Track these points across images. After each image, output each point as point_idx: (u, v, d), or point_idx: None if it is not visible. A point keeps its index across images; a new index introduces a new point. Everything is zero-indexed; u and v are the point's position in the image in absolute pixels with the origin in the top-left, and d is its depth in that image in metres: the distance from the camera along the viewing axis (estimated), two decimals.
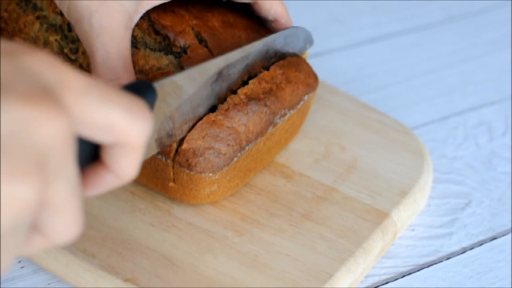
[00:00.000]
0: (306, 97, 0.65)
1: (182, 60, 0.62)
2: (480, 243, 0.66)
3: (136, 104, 0.40)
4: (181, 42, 0.62)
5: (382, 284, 0.62)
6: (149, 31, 0.62)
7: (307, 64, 0.66)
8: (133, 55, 0.62)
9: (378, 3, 0.95)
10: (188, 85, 0.55)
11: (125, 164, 0.42)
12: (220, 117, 0.59)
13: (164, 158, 0.60)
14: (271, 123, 0.62)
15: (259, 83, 0.61)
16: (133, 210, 0.63)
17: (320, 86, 0.76)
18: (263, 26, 0.68)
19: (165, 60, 0.62)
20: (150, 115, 0.41)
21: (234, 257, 0.59)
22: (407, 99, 0.81)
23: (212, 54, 0.63)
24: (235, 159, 0.60)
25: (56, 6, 0.64)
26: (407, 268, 0.64)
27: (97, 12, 0.55)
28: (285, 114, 0.63)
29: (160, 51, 0.62)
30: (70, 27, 0.64)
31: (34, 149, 0.35)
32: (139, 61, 0.62)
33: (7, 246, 0.35)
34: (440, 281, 0.63)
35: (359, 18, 0.93)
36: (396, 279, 0.63)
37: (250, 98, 0.60)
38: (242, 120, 0.60)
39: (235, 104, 0.60)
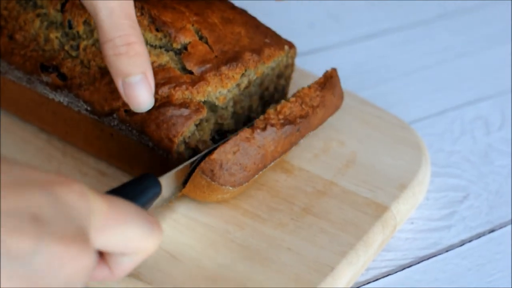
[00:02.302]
0: (329, 118, 0.66)
1: (183, 56, 0.62)
2: (479, 236, 0.67)
3: (151, 221, 0.45)
4: (181, 38, 0.62)
5: (383, 277, 0.63)
6: (149, 28, 0.63)
7: (339, 83, 0.67)
8: None
9: None
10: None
11: (126, 267, 0.46)
12: (255, 135, 0.59)
13: (165, 154, 0.61)
14: (295, 144, 0.62)
15: (300, 104, 0.61)
16: None
17: None
18: (261, 22, 0.69)
19: (165, 57, 0.62)
20: (161, 228, 0.46)
21: (236, 251, 0.60)
22: (405, 94, 0.82)
23: (212, 51, 0.63)
24: (256, 176, 0.60)
25: (56, 4, 0.65)
26: (407, 261, 0.64)
27: None
28: (307, 135, 0.64)
29: (160, 47, 0.63)
30: (70, 24, 0.64)
31: (59, 283, 0.39)
32: None
33: None
34: (439, 273, 0.64)
35: (355, 15, 0.93)
36: (396, 272, 0.63)
37: (287, 121, 0.60)
38: (274, 141, 0.60)
39: (272, 124, 0.60)
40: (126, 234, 0.43)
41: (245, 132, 0.59)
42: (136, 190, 0.51)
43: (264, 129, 0.59)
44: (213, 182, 0.58)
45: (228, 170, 0.58)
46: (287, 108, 0.61)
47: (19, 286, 0.37)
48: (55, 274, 0.38)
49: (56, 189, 0.40)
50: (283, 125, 0.60)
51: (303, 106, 0.62)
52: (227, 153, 0.58)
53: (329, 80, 0.64)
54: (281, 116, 0.60)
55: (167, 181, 0.56)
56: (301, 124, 0.61)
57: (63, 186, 0.40)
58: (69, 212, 0.40)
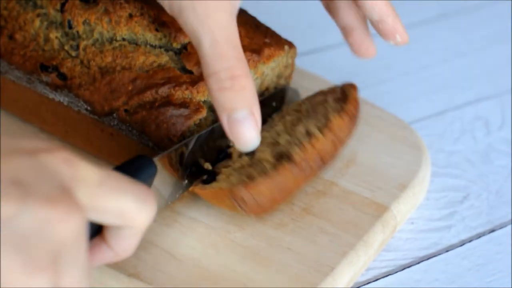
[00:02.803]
0: None
1: (183, 56, 0.62)
2: (479, 236, 0.67)
3: (144, 192, 0.45)
4: (181, 38, 0.62)
5: (383, 277, 0.63)
6: (149, 28, 0.63)
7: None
8: (133, 52, 0.62)
9: None
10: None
11: (126, 244, 0.47)
12: (294, 170, 0.59)
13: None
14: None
15: (332, 142, 0.61)
16: None
17: (318, 82, 0.76)
18: (261, 22, 0.69)
19: (165, 57, 0.62)
20: (155, 200, 0.46)
21: (236, 251, 0.60)
22: (404, 94, 0.82)
23: None
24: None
25: (56, 3, 0.65)
26: (407, 261, 0.64)
27: None
28: None
29: (160, 47, 0.63)
30: (70, 24, 0.64)
31: (51, 245, 0.39)
32: (140, 57, 0.62)
33: None
34: (439, 273, 0.64)
35: None
36: (396, 272, 0.63)
37: (318, 157, 0.60)
38: (305, 175, 0.60)
39: (306, 160, 0.59)
40: (120, 203, 0.44)
41: (284, 167, 0.58)
42: (131, 170, 0.51)
43: (301, 167, 0.59)
44: (239, 208, 0.58)
45: (259, 202, 0.58)
46: (321, 144, 0.60)
47: (11, 251, 0.37)
48: (45, 235, 0.38)
49: (40, 155, 0.40)
50: (315, 161, 0.60)
51: (336, 143, 0.62)
52: (263, 193, 0.58)
53: (357, 108, 0.65)
54: (315, 153, 0.60)
55: (163, 172, 0.56)
56: (329, 158, 0.62)
57: (48, 152, 0.41)
58: (53, 176, 0.40)
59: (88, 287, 0.42)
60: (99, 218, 0.44)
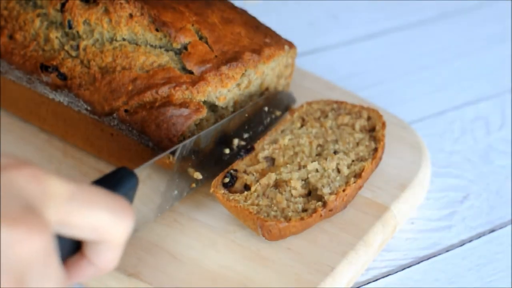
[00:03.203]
0: None
1: (183, 56, 0.62)
2: (479, 236, 0.67)
3: (119, 205, 0.44)
4: (181, 38, 0.62)
5: (383, 277, 0.63)
6: (149, 28, 0.63)
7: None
8: (133, 52, 0.62)
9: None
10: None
11: (106, 259, 0.45)
12: (324, 213, 0.60)
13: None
14: None
15: (360, 187, 0.62)
16: None
17: (318, 82, 0.76)
18: (261, 22, 0.69)
19: (165, 57, 0.62)
20: (132, 212, 0.45)
21: (237, 251, 0.60)
22: (404, 95, 0.82)
23: (212, 51, 0.63)
24: None
25: (56, 3, 0.65)
26: (407, 261, 0.64)
27: None
28: None
29: (160, 47, 0.63)
30: (70, 24, 0.64)
31: (15, 266, 0.38)
32: (140, 57, 0.62)
33: None
34: (439, 273, 0.64)
35: (355, 15, 0.93)
36: (397, 272, 0.63)
37: (345, 202, 0.61)
38: (328, 215, 0.61)
39: (335, 205, 0.60)
40: (92, 218, 0.43)
41: (317, 212, 0.59)
42: (110, 183, 0.49)
43: (331, 210, 0.60)
44: (260, 233, 0.59)
45: (283, 235, 0.59)
46: (350, 189, 0.61)
47: None
48: (7, 257, 0.38)
49: (5, 172, 0.40)
50: (341, 204, 0.61)
51: (361, 186, 0.63)
52: (293, 229, 0.59)
53: (383, 150, 0.65)
54: (344, 196, 0.61)
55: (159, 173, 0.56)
56: (351, 200, 0.63)
57: (14, 168, 0.40)
58: (18, 194, 0.40)
59: None
60: (73, 234, 0.43)
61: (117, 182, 0.49)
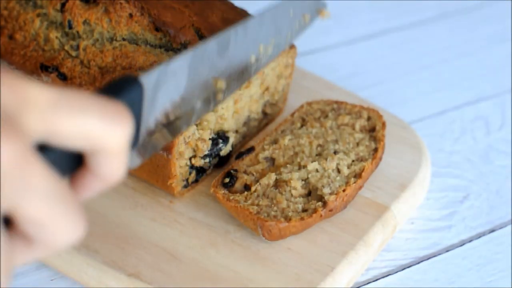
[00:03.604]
0: None
1: None
2: (479, 236, 0.67)
3: (112, 109, 0.41)
4: (181, 38, 0.62)
5: (383, 277, 0.63)
6: (149, 28, 0.63)
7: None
8: (133, 52, 0.62)
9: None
10: (182, 73, 0.51)
11: (110, 169, 0.42)
12: (324, 213, 0.60)
13: (165, 154, 0.61)
14: None
15: (360, 187, 0.63)
16: (135, 206, 0.63)
17: (318, 82, 0.76)
18: None
19: (165, 57, 0.62)
20: (130, 116, 0.41)
21: (236, 251, 0.60)
22: (404, 94, 0.82)
23: None
24: None
25: (56, 3, 0.65)
26: (407, 261, 0.64)
27: None
28: None
29: (160, 47, 0.62)
30: (70, 24, 0.64)
31: None
32: (140, 57, 0.62)
33: None
34: (439, 273, 0.64)
35: (355, 15, 0.93)
36: (396, 272, 0.63)
37: (345, 202, 0.62)
38: (328, 215, 0.61)
39: (335, 205, 0.60)
40: (82, 124, 0.40)
41: (317, 212, 0.59)
42: (113, 92, 0.44)
43: (331, 210, 0.60)
44: (260, 233, 0.59)
45: (283, 235, 0.59)
46: (351, 189, 0.61)
47: None
48: None
49: None
50: (341, 204, 0.61)
51: (361, 186, 0.63)
52: (293, 228, 0.59)
53: (383, 150, 0.65)
54: (344, 196, 0.61)
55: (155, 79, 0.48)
56: (351, 200, 0.63)
57: None
58: None
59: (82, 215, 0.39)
60: (65, 144, 0.40)
61: (117, 90, 0.44)
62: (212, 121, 0.63)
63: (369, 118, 0.67)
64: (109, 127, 0.40)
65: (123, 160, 0.42)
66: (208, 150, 0.64)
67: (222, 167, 0.66)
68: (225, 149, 0.66)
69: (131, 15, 0.63)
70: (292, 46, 0.69)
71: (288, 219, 0.59)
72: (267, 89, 0.69)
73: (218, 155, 0.66)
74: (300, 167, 0.63)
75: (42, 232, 0.38)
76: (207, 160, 0.65)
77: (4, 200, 0.37)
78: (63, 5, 0.64)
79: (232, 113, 0.66)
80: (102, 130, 0.40)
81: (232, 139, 0.66)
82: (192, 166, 0.64)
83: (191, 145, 0.62)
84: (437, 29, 0.92)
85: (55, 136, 0.39)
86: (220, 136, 0.65)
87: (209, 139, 0.64)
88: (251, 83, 0.66)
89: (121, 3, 0.63)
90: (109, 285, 0.58)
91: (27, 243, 0.39)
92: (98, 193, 0.43)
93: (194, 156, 0.63)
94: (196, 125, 0.62)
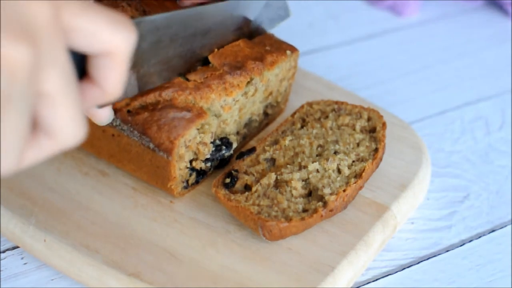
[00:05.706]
0: None
1: (187, 74, 0.62)
2: (479, 236, 0.67)
3: (119, 17, 0.44)
4: None
5: (383, 277, 0.63)
6: None
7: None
8: None
9: None
10: (166, 30, 0.55)
11: (110, 77, 0.45)
12: (324, 213, 0.60)
13: (165, 156, 0.61)
14: None
15: (360, 187, 0.63)
16: (135, 206, 0.63)
17: (318, 82, 0.77)
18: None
19: None
20: (133, 28, 0.44)
21: (237, 251, 0.60)
22: (404, 95, 0.82)
23: (216, 68, 0.63)
24: None
25: None
26: (407, 261, 0.64)
27: None
28: None
29: None
30: None
31: (26, 19, 0.38)
32: None
33: (8, 121, 0.38)
34: (439, 273, 0.64)
35: (355, 15, 0.93)
36: (397, 272, 0.64)
37: (345, 202, 0.62)
38: (328, 215, 0.61)
39: (336, 205, 0.60)
40: (92, 21, 0.42)
41: (317, 213, 0.59)
42: None
43: (331, 210, 0.60)
44: (261, 233, 0.59)
45: (283, 235, 0.59)
46: (351, 189, 0.61)
47: None
48: (19, 9, 0.39)
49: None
50: (341, 204, 0.61)
51: (361, 186, 0.63)
52: (294, 228, 0.59)
53: (384, 151, 0.65)
54: (344, 196, 0.61)
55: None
56: (351, 200, 0.63)
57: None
58: (11, 11, 0.39)
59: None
60: (73, 41, 0.42)
61: None
62: (214, 125, 0.63)
63: (369, 119, 0.68)
64: (117, 30, 0.43)
65: (124, 71, 0.45)
66: (211, 155, 0.64)
67: (223, 168, 0.66)
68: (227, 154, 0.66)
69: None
70: (294, 50, 0.69)
71: (288, 219, 0.59)
72: (270, 93, 0.69)
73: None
74: (301, 167, 0.63)
75: (52, 114, 0.41)
76: (209, 164, 0.65)
77: (36, 48, 0.39)
78: None
79: (235, 118, 0.66)
80: (110, 31, 0.43)
81: (235, 144, 0.66)
82: (192, 168, 0.64)
83: (192, 149, 0.62)
84: (437, 29, 0.92)
85: (68, 32, 0.42)
86: (224, 143, 0.65)
87: (211, 143, 0.64)
88: (257, 91, 0.66)
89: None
90: (110, 285, 0.58)
91: (40, 137, 0.41)
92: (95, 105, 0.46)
93: (195, 159, 0.63)
94: (198, 129, 0.62)
